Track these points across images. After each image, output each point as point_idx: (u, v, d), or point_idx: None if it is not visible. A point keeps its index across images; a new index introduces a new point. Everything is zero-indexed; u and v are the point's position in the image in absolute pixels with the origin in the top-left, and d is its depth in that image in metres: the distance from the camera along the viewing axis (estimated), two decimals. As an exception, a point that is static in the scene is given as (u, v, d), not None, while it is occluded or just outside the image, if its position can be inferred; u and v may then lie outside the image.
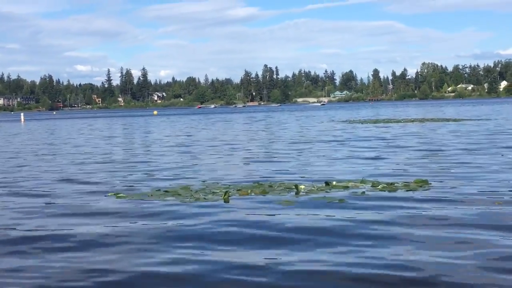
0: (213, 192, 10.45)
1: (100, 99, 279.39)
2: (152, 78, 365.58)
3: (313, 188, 10.57)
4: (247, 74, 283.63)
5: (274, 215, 8.35)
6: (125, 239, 7.28)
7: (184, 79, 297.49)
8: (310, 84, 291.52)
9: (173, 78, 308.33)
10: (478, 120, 39.30)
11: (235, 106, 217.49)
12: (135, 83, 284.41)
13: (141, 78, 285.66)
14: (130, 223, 8.19)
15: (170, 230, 7.66)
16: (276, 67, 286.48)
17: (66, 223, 8.30)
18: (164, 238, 7.24)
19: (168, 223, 8.03)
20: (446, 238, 6.78)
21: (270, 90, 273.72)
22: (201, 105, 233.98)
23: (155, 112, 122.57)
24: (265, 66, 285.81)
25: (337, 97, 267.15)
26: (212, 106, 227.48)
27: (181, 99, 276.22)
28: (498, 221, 7.54)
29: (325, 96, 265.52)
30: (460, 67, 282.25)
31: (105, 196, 10.61)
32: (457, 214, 7.99)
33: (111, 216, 8.73)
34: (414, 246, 6.51)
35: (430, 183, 10.67)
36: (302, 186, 10.60)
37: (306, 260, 6.12)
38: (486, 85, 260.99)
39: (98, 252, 6.71)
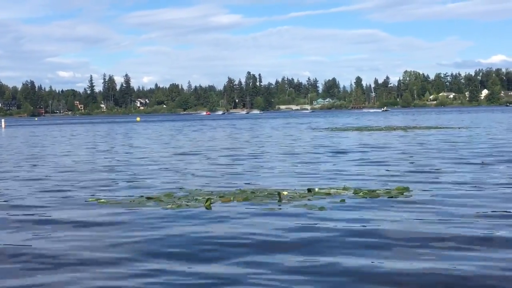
0: (196, 199, 10.43)
1: (82, 106, 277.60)
2: (135, 84, 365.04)
3: (295, 194, 10.60)
4: (230, 81, 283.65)
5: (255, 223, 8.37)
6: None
7: (167, 85, 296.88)
8: (293, 92, 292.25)
9: (156, 85, 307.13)
10: (459, 128, 39.92)
11: (247, 113, 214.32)
12: (117, 90, 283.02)
13: (124, 85, 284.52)
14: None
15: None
16: (259, 74, 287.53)
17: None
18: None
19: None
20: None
21: (253, 97, 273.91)
22: (209, 112, 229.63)
23: (138, 119, 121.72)
24: (248, 73, 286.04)
25: (320, 105, 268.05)
26: (220, 112, 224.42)
27: (164, 106, 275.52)
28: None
29: (307, 104, 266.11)
30: (442, 75, 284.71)
31: (86, 201, 10.56)
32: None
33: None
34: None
35: (411, 190, 10.79)
36: (285, 193, 10.61)
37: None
38: (467, 94, 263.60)
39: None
